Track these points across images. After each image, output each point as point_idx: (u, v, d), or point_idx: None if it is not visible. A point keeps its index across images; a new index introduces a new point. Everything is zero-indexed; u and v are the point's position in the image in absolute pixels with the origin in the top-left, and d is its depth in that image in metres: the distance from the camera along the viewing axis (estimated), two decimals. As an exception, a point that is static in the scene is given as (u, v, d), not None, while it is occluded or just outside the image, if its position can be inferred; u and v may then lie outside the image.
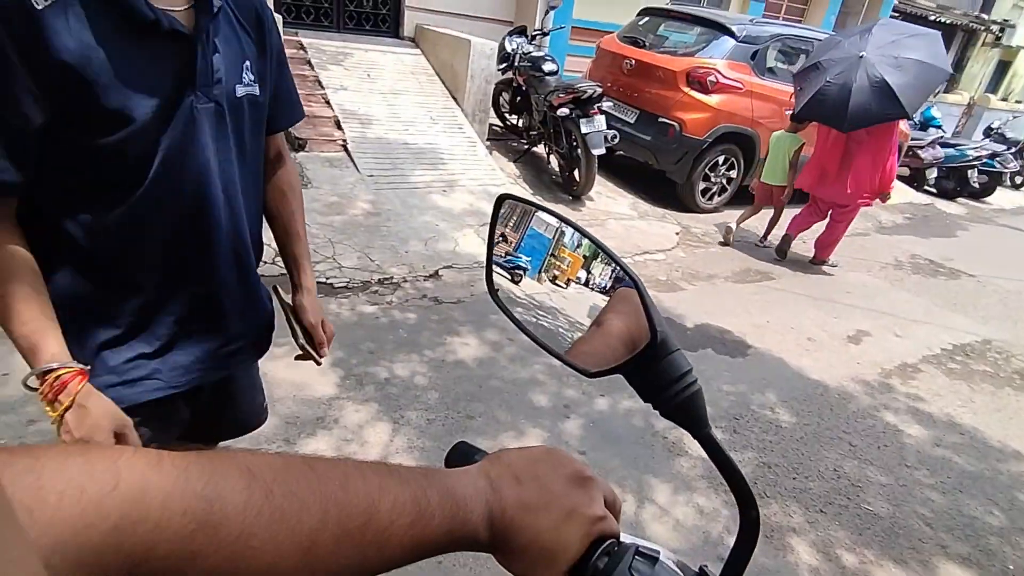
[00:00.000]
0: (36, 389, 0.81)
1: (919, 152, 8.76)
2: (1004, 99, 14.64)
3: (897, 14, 11.13)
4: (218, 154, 0.90)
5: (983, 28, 13.02)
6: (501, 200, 0.71)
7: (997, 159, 9.16)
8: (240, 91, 0.91)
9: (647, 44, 5.80)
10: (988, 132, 10.30)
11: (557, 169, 5.50)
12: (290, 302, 1.14)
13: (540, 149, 5.70)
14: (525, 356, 2.94)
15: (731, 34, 5.39)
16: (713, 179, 5.69)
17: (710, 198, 5.79)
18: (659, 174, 5.71)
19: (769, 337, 3.64)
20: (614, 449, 2.47)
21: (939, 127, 9.86)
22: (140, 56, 0.79)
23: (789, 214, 5.13)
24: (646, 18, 6.11)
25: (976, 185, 9.07)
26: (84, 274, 0.87)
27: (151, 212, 0.86)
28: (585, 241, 0.77)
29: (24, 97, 0.74)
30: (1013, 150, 9.68)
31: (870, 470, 2.65)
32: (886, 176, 4.56)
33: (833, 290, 4.62)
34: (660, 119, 5.40)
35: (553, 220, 0.84)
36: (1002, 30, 13.79)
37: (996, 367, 3.84)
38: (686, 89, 5.29)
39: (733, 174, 5.78)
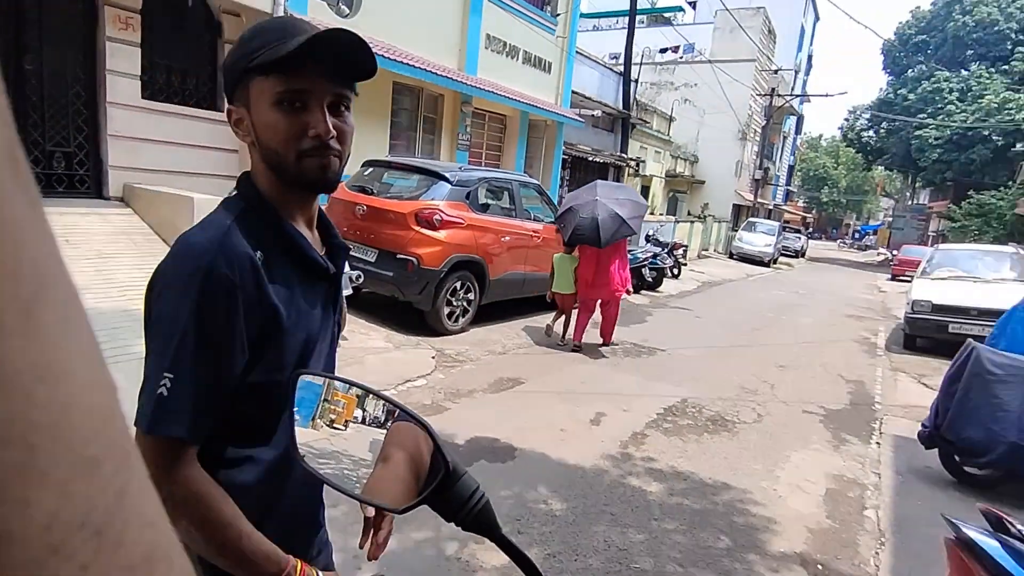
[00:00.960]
0: None
1: (607, 259, 10.91)
2: (651, 213, 19.26)
3: (567, 156, 14.10)
4: (331, 364, 1.06)
5: (625, 164, 17.24)
6: (297, 376, 0.80)
7: (658, 258, 11.91)
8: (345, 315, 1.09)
9: (375, 191, 6.35)
10: (648, 238, 13.37)
11: (305, 314, 5.46)
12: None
13: (284, 296, 5.62)
14: (303, 515, 2.77)
15: (446, 179, 6.25)
16: (455, 303, 6.27)
17: (456, 320, 6.32)
18: (407, 305, 6.08)
19: (530, 437, 4.05)
20: (413, 586, 2.45)
21: (616, 238, 12.47)
22: (310, 295, 0.94)
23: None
24: (370, 169, 6.72)
25: (650, 279, 11.59)
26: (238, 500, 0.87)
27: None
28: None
29: (237, 347, 0.83)
30: (666, 250, 12.70)
31: (630, 532, 3.07)
32: (626, 274, 6.59)
33: (571, 383, 5.36)
34: (398, 256, 5.85)
35: (314, 379, 0.89)
36: (638, 164, 18.43)
37: (695, 419, 4.85)
38: (416, 228, 5.89)
39: (471, 296, 6.45)
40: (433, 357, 5.48)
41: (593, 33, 25.74)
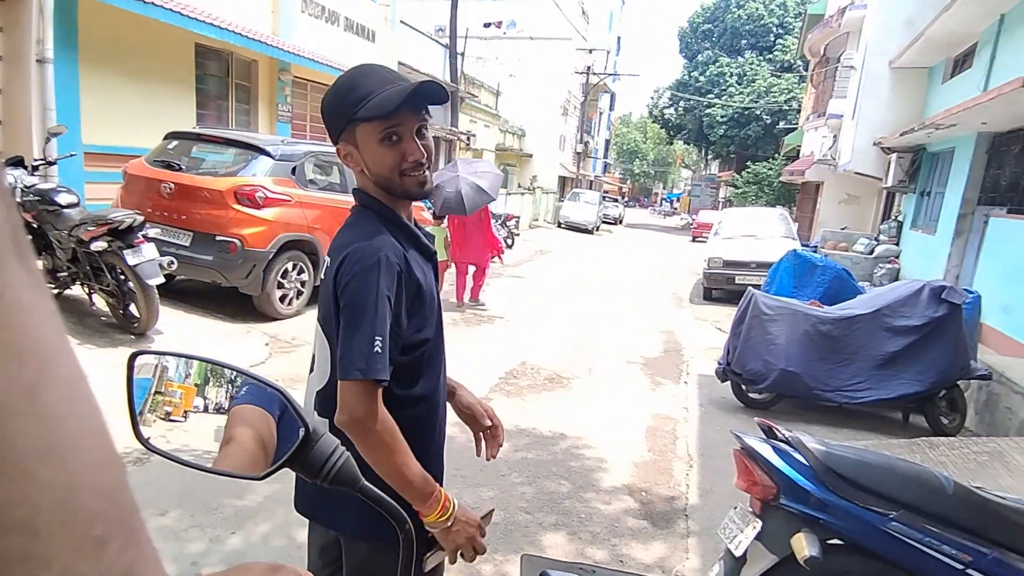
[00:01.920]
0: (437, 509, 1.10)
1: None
2: (485, 186, 19.73)
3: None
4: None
5: (456, 138, 17.38)
6: (134, 357, 0.73)
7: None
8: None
9: (183, 167, 5.69)
10: (482, 211, 13.71)
11: (107, 309, 4.79)
12: None
13: (77, 291, 4.87)
14: (126, 529, 2.51)
15: (267, 153, 5.79)
16: (287, 285, 5.92)
17: (289, 303, 5.98)
18: (233, 290, 5.61)
19: (377, 413, 4.03)
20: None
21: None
22: (429, 273, 1.24)
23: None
24: (175, 141, 5.99)
25: (487, 251, 11.94)
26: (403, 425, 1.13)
27: (435, 375, 1.26)
28: (194, 368, 0.80)
29: (402, 312, 1.13)
30: (499, 222, 13.13)
31: (482, 490, 3.25)
32: (494, 239, 7.86)
33: (415, 357, 5.40)
34: (218, 238, 5.34)
35: (151, 359, 0.80)
36: (469, 138, 18.68)
37: (533, 379, 5.19)
38: (237, 207, 5.41)
39: (304, 277, 6.13)
40: (267, 344, 5.15)
41: (417, 2, 25.22)
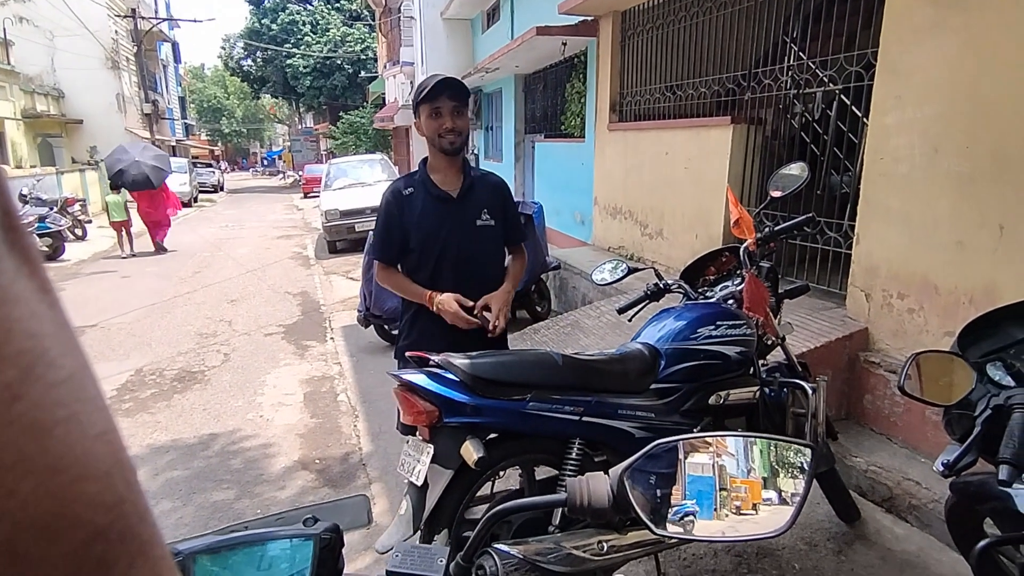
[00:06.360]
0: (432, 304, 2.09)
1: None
2: (19, 167, 14.98)
3: None
4: (460, 244, 2.15)
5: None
6: None
7: (48, 220, 9.55)
8: (477, 223, 2.17)
9: None
10: (24, 200, 10.44)
11: None
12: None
13: None
14: None
15: None
16: None
17: None
18: None
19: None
20: None
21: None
22: (436, 210, 2.13)
23: None
24: None
25: (46, 249, 9.25)
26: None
27: (438, 272, 2.15)
28: None
29: (395, 227, 2.15)
30: (55, 209, 10.28)
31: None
32: (176, 200, 11.07)
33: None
34: None
35: None
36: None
37: (158, 385, 4.38)
38: None
39: None
40: None
41: None
